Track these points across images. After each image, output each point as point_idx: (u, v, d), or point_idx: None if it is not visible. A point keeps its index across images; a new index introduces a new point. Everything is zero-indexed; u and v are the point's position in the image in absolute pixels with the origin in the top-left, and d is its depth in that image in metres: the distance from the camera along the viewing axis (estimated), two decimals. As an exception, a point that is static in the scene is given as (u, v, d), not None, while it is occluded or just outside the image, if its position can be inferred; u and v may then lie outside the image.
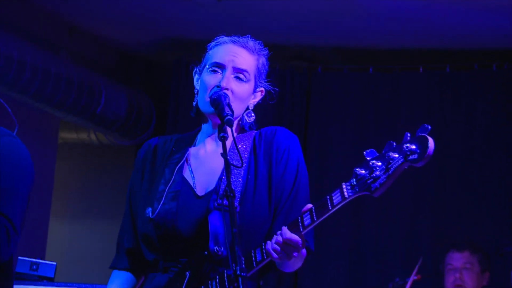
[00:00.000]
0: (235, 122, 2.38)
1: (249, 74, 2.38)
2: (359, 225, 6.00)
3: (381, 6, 5.43)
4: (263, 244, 2.21)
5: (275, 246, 2.14)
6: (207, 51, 2.44)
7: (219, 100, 2.28)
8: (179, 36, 6.09)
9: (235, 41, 2.41)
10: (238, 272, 1.98)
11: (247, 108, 2.43)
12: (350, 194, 2.07)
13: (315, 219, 2.11)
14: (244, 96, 2.38)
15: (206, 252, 2.24)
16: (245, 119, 2.43)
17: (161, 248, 2.30)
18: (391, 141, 2.04)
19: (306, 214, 2.14)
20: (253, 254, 2.21)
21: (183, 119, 6.27)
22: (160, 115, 6.65)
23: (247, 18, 5.73)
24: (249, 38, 2.44)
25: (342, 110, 6.23)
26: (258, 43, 2.45)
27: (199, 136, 2.46)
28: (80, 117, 5.94)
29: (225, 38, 2.42)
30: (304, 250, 2.23)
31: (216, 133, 2.31)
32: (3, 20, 5.35)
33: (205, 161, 2.40)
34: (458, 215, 5.85)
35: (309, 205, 2.16)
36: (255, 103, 2.45)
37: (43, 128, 6.17)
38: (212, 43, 2.43)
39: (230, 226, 2.04)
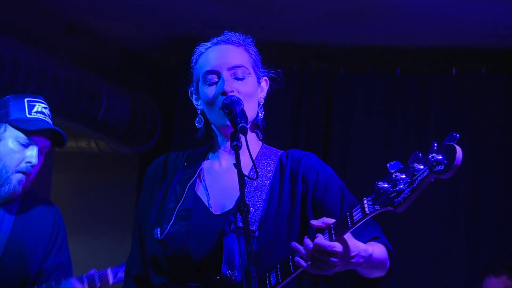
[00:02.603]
0: (250, 124, 2.36)
1: (246, 68, 2.38)
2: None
3: (409, 2, 5.42)
4: (278, 266, 2.19)
5: (303, 256, 2.11)
6: (193, 66, 2.44)
7: (232, 106, 2.27)
8: (187, 35, 6.08)
9: (217, 42, 2.41)
10: None
11: (259, 104, 2.43)
12: (372, 210, 2.06)
13: (333, 238, 2.10)
14: (251, 92, 2.38)
15: (218, 277, 2.22)
16: (259, 116, 2.43)
17: (169, 271, 2.28)
18: (417, 152, 2.03)
19: (324, 232, 2.12)
20: (267, 278, 2.20)
21: (192, 125, 6.23)
22: (167, 121, 6.65)
23: (261, 15, 5.72)
24: (229, 33, 2.43)
25: (366, 116, 6.22)
26: (240, 34, 2.43)
27: (212, 150, 2.45)
28: (79, 123, 5.95)
29: (205, 44, 2.42)
30: (384, 250, 2.20)
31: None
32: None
33: (221, 177, 2.38)
34: (494, 234, 5.81)
35: (325, 223, 2.14)
36: (265, 96, 2.45)
37: (39, 135, 6.18)
38: (194, 55, 2.43)
39: (245, 243, 2.03)
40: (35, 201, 3.20)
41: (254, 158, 2.33)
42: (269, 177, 2.36)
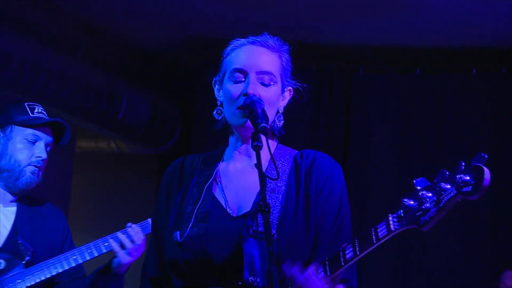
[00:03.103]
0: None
1: (274, 76, 2.37)
2: (403, 246, 5.96)
3: (428, 1, 5.40)
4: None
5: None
6: (224, 58, 2.42)
7: (253, 106, 2.26)
8: (206, 36, 6.10)
9: (253, 42, 2.39)
10: None
11: (277, 112, 2.42)
12: (397, 227, 2.06)
13: (358, 252, 2.10)
14: (273, 100, 2.36)
15: (240, 282, 2.21)
16: (276, 124, 2.42)
17: (189, 275, 2.28)
18: (444, 170, 2.03)
19: (348, 247, 2.12)
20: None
21: (211, 127, 6.27)
22: (186, 122, 6.67)
23: (278, 16, 5.72)
24: (267, 36, 2.41)
25: (386, 115, 6.20)
26: (278, 39, 2.42)
27: (227, 152, 2.45)
28: (99, 124, 5.98)
29: (242, 40, 2.40)
30: None
31: (245, 147, 2.32)
32: (16, 20, 5.41)
33: (236, 178, 2.37)
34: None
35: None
36: (285, 105, 2.43)
37: (59, 136, 6.21)
38: (228, 48, 2.41)
39: (266, 243, 2.04)
40: (42, 203, 3.44)
41: (269, 159, 2.33)
42: (284, 178, 2.36)
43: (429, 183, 2.04)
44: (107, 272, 3.24)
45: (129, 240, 3.27)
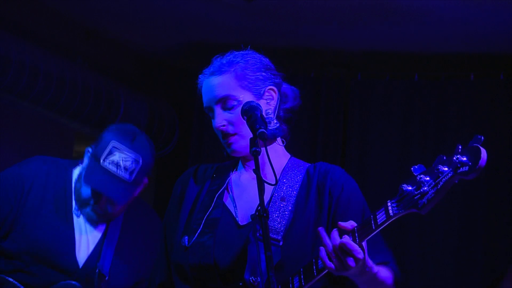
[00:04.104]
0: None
1: (232, 95, 2.40)
2: (402, 248, 5.96)
3: (426, 7, 5.42)
4: (301, 269, 2.21)
5: (329, 252, 2.13)
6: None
7: (251, 112, 2.30)
8: (205, 40, 6.11)
9: (206, 75, 2.48)
10: None
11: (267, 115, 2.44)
12: (396, 212, 2.08)
13: (357, 240, 2.11)
14: (239, 118, 2.40)
15: (241, 283, 2.25)
16: (272, 127, 2.44)
17: (193, 278, 2.31)
18: (442, 155, 2.05)
19: (348, 235, 2.14)
20: (290, 282, 2.21)
21: (209, 131, 6.25)
22: (184, 127, 6.68)
23: (278, 20, 5.73)
24: (219, 58, 2.48)
25: (384, 121, 6.21)
26: (229, 55, 2.47)
27: (240, 163, 2.50)
28: (97, 128, 5.98)
29: (200, 77, 2.50)
30: (384, 273, 2.23)
31: (251, 163, 2.39)
32: (14, 24, 5.42)
33: (248, 189, 2.42)
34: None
35: (351, 225, 2.16)
36: (275, 105, 2.45)
37: (57, 141, 6.22)
38: (198, 87, 2.52)
39: (264, 249, 2.05)
40: (138, 214, 3.27)
41: (282, 169, 2.39)
42: (296, 188, 2.39)
43: (426, 168, 2.08)
44: None
45: None
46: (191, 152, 6.40)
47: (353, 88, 6.33)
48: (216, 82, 2.43)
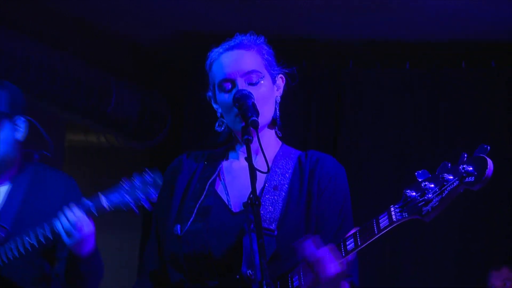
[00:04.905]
0: (267, 122, 2.41)
1: (259, 72, 2.40)
2: (395, 246, 5.98)
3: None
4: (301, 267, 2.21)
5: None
6: (208, 72, 2.46)
7: (242, 100, 2.29)
8: (197, 31, 6.10)
9: (229, 48, 2.43)
10: (264, 287, 1.99)
11: (276, 103, 2.45)
12: (399, 217, 2.07)
13: (359, 243, 2.11)
14: (266, 95, 2.39)
15: (238, 276, 2.23)
16: (277, 112, 2.45)
17: (187, 268, 2.30)
18: (446, 162, 2.03)
19: (349, 238, 2.14)
20: (289, 279, 2.22)
21: (201, 121, 6.28)
22: (176, 116, 6.68)
23: (269, 11, 5.73)
24: (240, 36, 2.44)
25: (376, 109, 6.22)
26: (250, 35, 2.45)
27: (232, 150, 2.48)
28: (89, 118, 5.98)
29: (218, 49, 2.44)
30: (347, 285, 2.24)
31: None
32: (5, 15, 5.40)
33: (240, 176, 2.40)
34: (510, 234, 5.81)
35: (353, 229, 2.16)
36: (281, 93, 2.47)
37: (48, 131, 6.21)
38: (208, 61, 2.46)
39: (256, 236, 2.05)
40: (47, 172, 3.27)
41: (273, 157, 2.39)
42: (288, 176, 2.38)
43: (430, 175, 2.06)
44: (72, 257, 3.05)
45: (70, 224, 2.97)
46: (183, 142, 6.40)
47: (344, 77, 6.33)
48: (243, 56, 2.41)
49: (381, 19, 5.82)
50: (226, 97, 2.38)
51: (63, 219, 2.94)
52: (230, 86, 2.38)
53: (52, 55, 5.49)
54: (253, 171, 2.15)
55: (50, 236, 2.98)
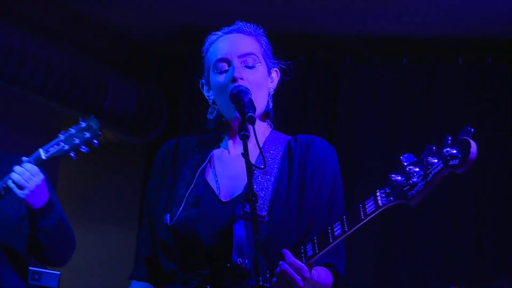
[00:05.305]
0: (261, 113, 2.40)
1: (257, 56, 2.40)
2: (388, 240, 5.98)
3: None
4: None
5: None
6: (204, 55, 2.46)
7: (239, 96, 2.28)
8: (194, 25, 6.09)
9: (228, 31, 2.43)
10: (261, 283, 1.98)
11: (269, 94, 2.44)
12: (385, 202, 2.08)
13: (346, 229, 2.12)
14: (261, 81, 2.39)
15: (228, 264, 2.24)
16: (270, 105, 2.45)
17: (179, 258, 2.30)
18: (430, 145, 2.04)
19: (337, 223, 2.14)
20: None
21: (198, 115, 6.27)
22: (173, 111, 6.67)
23: (266, 5, 5.72)
24: (239, 22, 2.45)
25: (373, 105, 6.22)
26: (252, 24, 2.45)
27: (223, 138, 2.47)
28: (86, 112, 5.97)
29: (217, 33, 2.44)
30: (330, 276, 2.26)
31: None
32: (1, 8, 5.39)
33: (230, 165, 2.40)
34: (502, 227, 5.81)
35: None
36: (275, 86, 2.47)
37: (45, 125, 6.21)
38: (206, 44, 2.45)
39: (252, 232, 2.05)
40: (6, 156, 3.29)
41: (262, 144, 2.37)
42: (277, 161, 2.38)
43: (415, 159, 2.06)
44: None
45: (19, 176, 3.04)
46: (180, 135, 6.39)
47: (341, 72, 6.34)
48: (242, 38, 2.41)
49: (378, 15, 5.81)
50: (221, 78, 2.38)
51: (13, 174, 3.04)
52: (226, 67, 2.38)
53: (49, 48, 5.48)
54: (250, 167, 2.14)
55: (2, 192, 3.06)
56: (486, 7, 5.56)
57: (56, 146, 3.06)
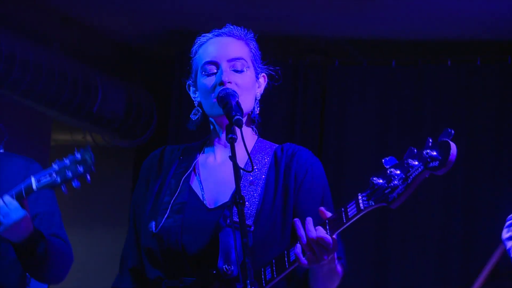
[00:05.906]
0: (245, 117, 2.39)
1: (245, 61, 2.40)
2: (384, 239, 5.98)
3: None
4: (273, 261, 2.21)
5: (303, 244, 2.12)
6: (193, 57, 2.45)
7: (227, 99, 2.28)
8: (183, 28, 6.09)
9: (218, 34, 2.43)
10: (249, 287, 1.98)
11: (255, 99, 2.44)
12: (366, 205, 2.08)
13: (328, 233, 2.11)
14: (249, 86, 2.39)
15: (214, 271, 2.23)
16: (255, 111, 2.45)
17: (164, 265, 2.30)
18: (412, 147, 2.05)
19: (321, 227, 2.12)
20: (262, 272, 2.21)
21: (187, 118, 6.25)
22: (162, 114, 6.66)
23: (255, 8, 5.73)
24: (231, 26, 2.45)
25: (361, 108, 6.22)
26: (242, 28, 2.46)
27: (207, 144, 2.47)
28: (75, 116, 5.95)
29: (206, 35, 2.44)
30: (339, 267, 2.25)
31: (225, 138, 2.30)
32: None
33: (215, 170, 2.39)
34: (491, 227, 5.82)
35: (326, 215, 2.15)
36: (262, 91, 2.46)
37: (34, 129, 6.19)
38: (195, 46, 2.44)
39: (240, 236, 2.04)
40: (7, 157, 3.19)
41: (249, 152, 2.35)
42: (264, 171, 2.37)
43: (397, 161, 2.06)
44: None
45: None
46: (169, 139, 6.38)
47: (330, 75, 6.34)
48: (232, 42, 2.41)
49: (367, 18, 5.82)
50: (209, 81, 2.37)
51: None
52: (214, 70, 2.38)
53: (37, 51, 5.46)
54: (237, 170, 2.14)
55: None
56: (474, 9, 5.58)
57: (48, 176, 2.87)
